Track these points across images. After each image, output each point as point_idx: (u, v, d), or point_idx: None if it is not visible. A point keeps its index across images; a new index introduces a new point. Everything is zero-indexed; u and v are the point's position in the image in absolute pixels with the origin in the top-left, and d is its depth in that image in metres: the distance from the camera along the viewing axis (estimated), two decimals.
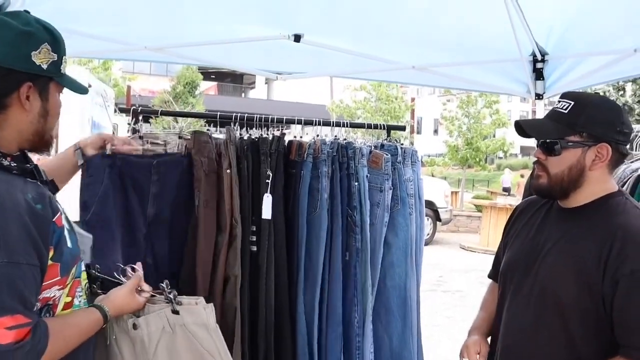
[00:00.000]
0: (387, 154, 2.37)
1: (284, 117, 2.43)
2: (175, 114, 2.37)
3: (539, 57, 2.80)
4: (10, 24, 1.25)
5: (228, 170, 2.16)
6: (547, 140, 1.56)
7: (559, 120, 1.55)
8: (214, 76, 31.92)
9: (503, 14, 2.29)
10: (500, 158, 35.39)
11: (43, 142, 1.36)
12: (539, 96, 2.90)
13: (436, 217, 12.11)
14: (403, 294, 2.40)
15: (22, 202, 1.19)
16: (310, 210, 2.27)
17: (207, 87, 30.44)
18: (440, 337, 5.58)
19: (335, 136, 2.42)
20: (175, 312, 1.59)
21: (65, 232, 1.31)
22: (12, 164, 1.27)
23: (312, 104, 22.80)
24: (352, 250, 2.34)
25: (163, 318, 1.59)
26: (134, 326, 1.56)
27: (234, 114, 2.36)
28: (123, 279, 1.62)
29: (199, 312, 1.63)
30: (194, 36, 2.88)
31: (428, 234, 11.89)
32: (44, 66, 1.28)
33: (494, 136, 19.23)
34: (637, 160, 2.57)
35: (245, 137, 2.28)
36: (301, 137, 2.34)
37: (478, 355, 1.71)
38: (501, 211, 11.58)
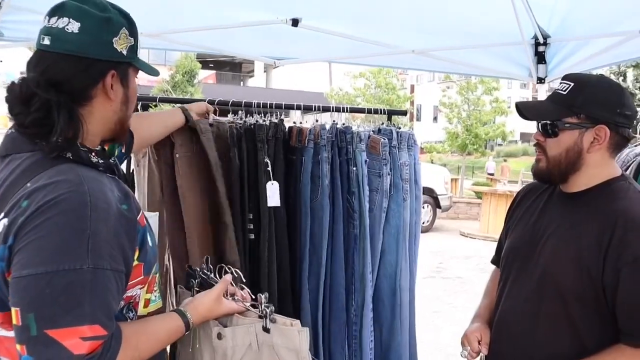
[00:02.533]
0: (384, 138, 2.33)
1: (283, 103, 2.39)
2: (173, 101, 2.30)
3: (541, 40, 2.75)
4: (89, 12, 1.20)
5: (177, 155, 2.09)
6: (546, 122, 1.54)
7: (558, 102, 1.53)
8: (212, 65, 31.73)
9: None
10: (500, 145, 35.40)
11: (123, 130, 1.33)
12: (540, 80, 2.86)
13: (436, 204, 12.11)
14: (393, 284, 2.35)
15: (113, 203, 1.15)
16: (312, 197, 2.24)
17: (206, 76, 30.27)
18: (442, 323, 5.58)
19: (334, 121, 2.38)
20: (267, 330, 1.45)
21: (147, 231, 1.27)
22: (99, 161, 1.22)
23: (312, 92, 22.68)
24: (351, 237, 2.30)
25: (252, 334, 1.46)
26: (219, 336, 1.45)
27: (232, 100, 2.32)
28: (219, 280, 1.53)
29: (292, 335, 1.46)
30: (190, 22, 2.84)
31: (428, 221, 11.90)
32: (124, 52, 1.24)
33: (494, 122, 19.20)
34: None
35: (241, 123, 2.24)
36: (300, 122, 2.30)
37: (479, 343, 1.69)
38: (501, 198, 11.59)
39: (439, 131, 22.44)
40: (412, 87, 20.31)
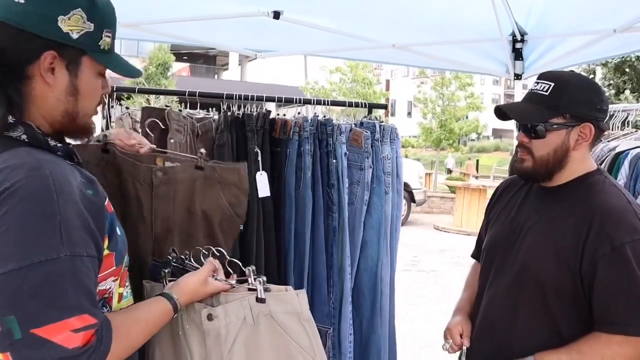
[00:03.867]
0: (366, 132, 2.34)
1: (264, 95, 2.38)
2: (153, 92, 2.29)
3: (519, 37, 2.80)
4: None
5: (172, 140, 2.05)
6: (533, 124, 1.54)
7: (541, 103, 1.54)
8: (186, 57, 31.35)
9: None
10: (473, 140, 35.88)
11: (76, 126, 1.18)
12: (518, 76, 2.91)
13: (411, 198, 12.21)
14: (374, 276, 2.37)
15: (77, 187, 1.07)
16: (295, 189, 2.24)
17: (180, 68, 29.92)
18: (416, 315, 5.65)
19: (315, 113, 2.38)
20: (261, 300, 1.35)
21: (115, 218, 1.19)
22: (57, 145, 1.14)
23: (287, 86, 22.62)
24: (330, 230, 2.31)
25: (246, 307, 1.35)
26: (209, 317, 1.34)
27: (211, 92, 2.31)
28: (196, 264, 1.45)
29: (290, 298, 1.37)
30: (169, 12, 2.81)
31: (403, 215, 11.94)
32: (74, 35, 1.11)
33: (467, 118, 19.42)
34: (614, 139, 2.61)
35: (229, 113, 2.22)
36: (284, 115, 2.30)
37: (461, 336, 1.72)
38: (474, 192, 11.73)
39: (413, 126, 22.61)
40: (388, 82, 20.35)
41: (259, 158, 2.12)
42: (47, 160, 1.07)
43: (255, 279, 1.39)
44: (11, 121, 1.08)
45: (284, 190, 2.23)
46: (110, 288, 1.20)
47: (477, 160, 25.09)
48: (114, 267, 1.18)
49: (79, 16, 1.11)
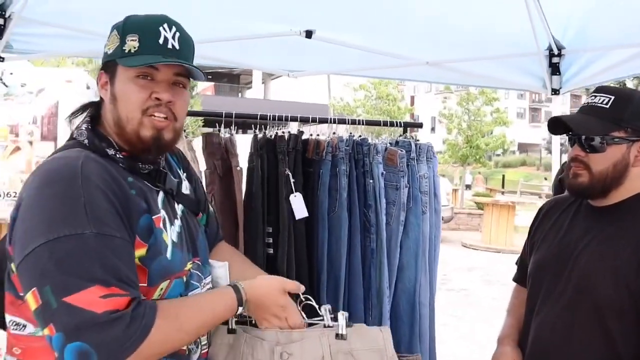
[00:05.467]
0: (401, 150, 2.30)
1: (299, 116, 2.36)
2: (191, 114, 2.29)
3: (555, 52, 2.74)
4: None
5: (238, 168, 2.08)
6: (592, 137, 1.49)
7: (602, 116, 1.49)
8: (210, 76, 31.80)
9: (520, 5, 2.23)
10: (498, 155, 35.50)
11: (128, 135, 1.23)
12: (555, 91, 2.84)
13: None
14: (412, 299, 2.32)
15: (111, 181, 1.13)
16: (329, 210, 2.21)
17: (204, 87, 30.32)
18: (447, 336, 5.53)
19: (351, 133, 2.36)
20: (342, 336, 1.26)
21: (167, 239, 1.21)
22: (118, 156, 1.22)
23: (312, 103, 22.70)
24: (367, 251, 2.27)
25: (324, 344, 1.26)
26: (282, 356, 1.25)
27: (246, 114, 2.29)
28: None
29: (374, 335, 1.28)
30: (201, 33, 2.81)
31: None
32: (109, 51, 1.26)
33: (492, 133, 19.20)
34: None
35: (260, 135, 2.21)
36: (318, 135, 2.27)
37: None
38: (502, 208, 11.56)
39: (437, 142, 22.46)
40: (412, 98, 20.34)
41: (291, 179, 2.09)
42: (91, 158, 1.16)
43: (335, 315, 1.30)
44: (82, 128, 1.25)
45: (317, 212, 2.20)
46: None
47: (503, 176, 24.77)
48: (145, 285, 1.16)
49: (114, 35, 1.27)
